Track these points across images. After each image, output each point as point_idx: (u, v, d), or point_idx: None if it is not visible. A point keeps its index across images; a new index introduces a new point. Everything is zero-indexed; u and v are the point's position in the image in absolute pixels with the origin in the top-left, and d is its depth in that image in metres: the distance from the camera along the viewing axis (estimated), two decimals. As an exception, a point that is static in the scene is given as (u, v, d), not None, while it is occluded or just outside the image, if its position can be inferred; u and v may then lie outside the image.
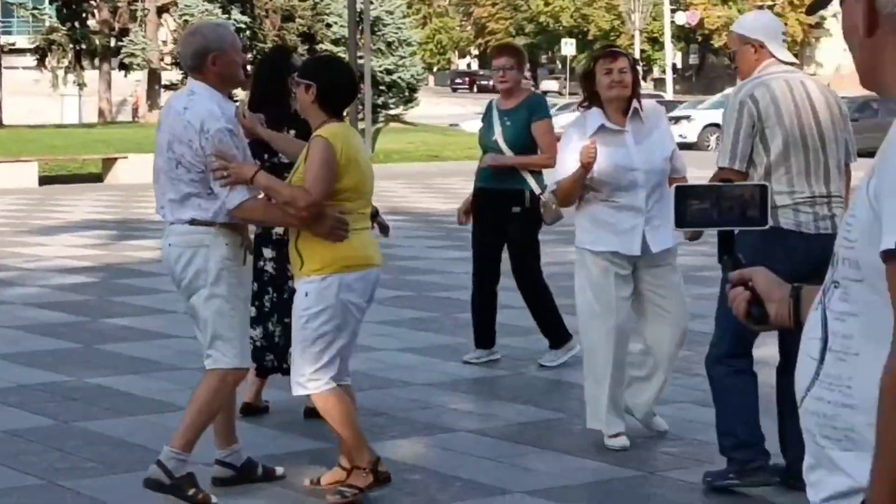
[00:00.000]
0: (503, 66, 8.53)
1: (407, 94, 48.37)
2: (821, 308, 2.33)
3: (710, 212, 2.72)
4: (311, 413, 6.71)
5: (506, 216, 8.56)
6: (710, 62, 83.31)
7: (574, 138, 6.76)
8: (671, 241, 6.84)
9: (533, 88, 8.84)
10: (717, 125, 40.35)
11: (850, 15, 2.33)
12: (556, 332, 8.75)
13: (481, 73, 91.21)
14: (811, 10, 2.60)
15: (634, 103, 6.82)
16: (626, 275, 6.77)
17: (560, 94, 68.13)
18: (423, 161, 32.53)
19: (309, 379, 5.78)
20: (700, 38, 78.81)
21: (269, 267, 7.28)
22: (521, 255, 8.70)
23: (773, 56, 6.09)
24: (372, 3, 39.01)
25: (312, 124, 5.85)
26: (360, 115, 30.63)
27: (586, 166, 6.57)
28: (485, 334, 8.85)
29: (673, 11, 69.63)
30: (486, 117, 8.74)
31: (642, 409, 6.99)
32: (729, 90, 49.65)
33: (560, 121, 20.11)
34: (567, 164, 6.73)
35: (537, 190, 8.42)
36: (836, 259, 2.30)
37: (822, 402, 2.29)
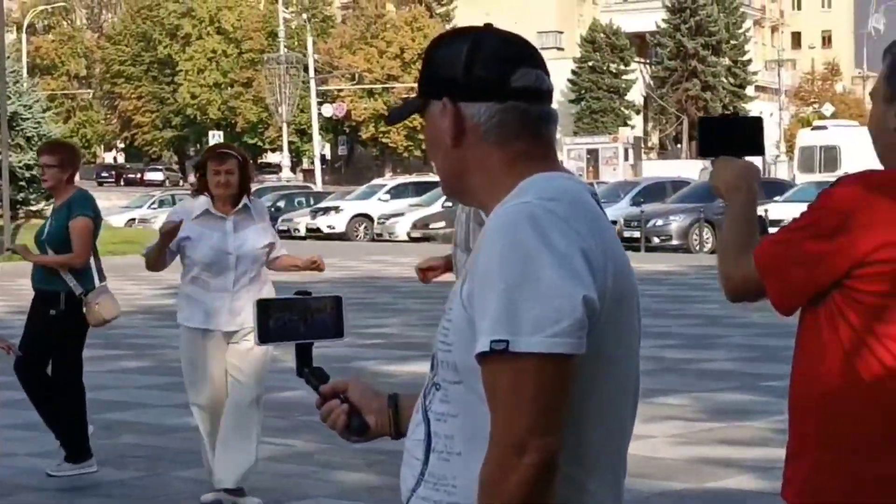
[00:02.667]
0: (44, 164, 8.20)
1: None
2: (423, 410, 2.39)
3: (295, 325, 2.63)
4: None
5: (47, 318, 8.09)
6: (359, 153, 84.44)
7: (175, 217, 7.37)
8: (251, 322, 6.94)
9: (80, 187, 8.49)
10: (365, 215, 40.79)
11: (433, 126, 2.44)
12: (78, 446, 8.15)
13: (128, 166, 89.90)
14: (390, 121, 2.64)
15: (245, 199, 7.39)
16: (221, 348, 7.35)
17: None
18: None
19: None
20: (348, 130, 79.82)
21: None
22: (59, 357, 8.19)
23: None
24: (9, 97, 37.88)
25: None
26: (-2, 212, 29.44)
27: (166, 236, 7.20)
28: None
29: (320, 104, 70.38)
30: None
31: (226, 477, 7.30)
32: (378, 181, 50.28)
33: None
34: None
35: (78, 291, 8.03)
36: (436, 362, 2.37)
37: (429, 501, 2.35)
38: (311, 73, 68.25)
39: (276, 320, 2.62)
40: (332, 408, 2.58)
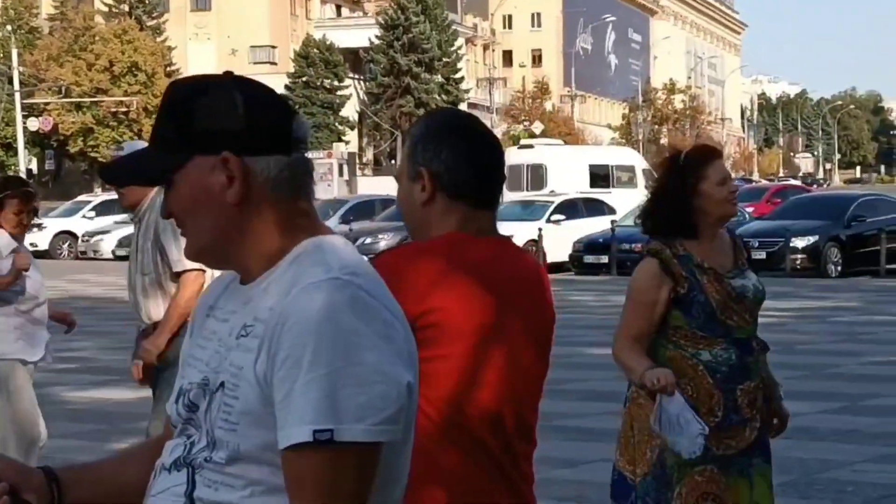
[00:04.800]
0: None
1: None
2: (186, 470, 2.23)
3: None
4: None
5: None
6: (67, 167, 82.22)
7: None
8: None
9: None
10: (69, 233, 39.66)
11: (196, 185, 2.26)
12: None
13: None
14: (118, 181, 2.74)
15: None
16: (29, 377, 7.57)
17: None
18: None
19: None
20: (55, 144, 77.64)
21: None
22: None
23: None
24: None
25: None
26: None
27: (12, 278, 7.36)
28: None
29: (25, 117, 68.21)
30: None
31: None
32: (84, 196, 48.97)
33: None
34: None
35: None
36: (210, 438, 2.21)
37: None
38: (17, 85, 66.11)
39: None
40: None
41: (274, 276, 2.24)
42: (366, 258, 2.33)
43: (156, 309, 6.75)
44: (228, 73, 2.31)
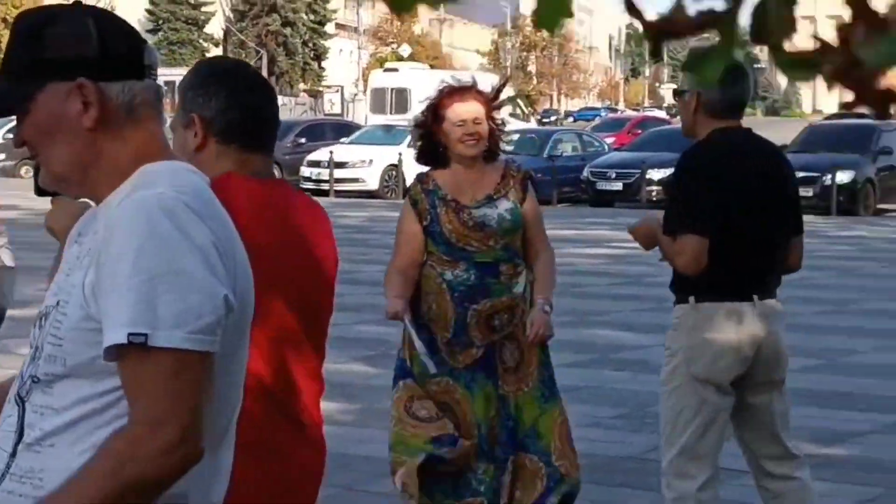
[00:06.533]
0: None
1: None
2: (18, 400, 2.30)
3: None
4: None
5: None
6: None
7: None
8: None
9: None
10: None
11: (50, 112, 2.30)
12: None
13: None
14: None
15: None
16: None
17: None
18: None
19: None
20: None
21: None
22: None
23: None
24: None
25: None
26: None
27: None
28: None
29: None
30: None
31: None
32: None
33: None
34: None
35: None
36: (39, 354, 2.28)
37: (14, 495, 2.25)
38: None
39: None
40: None
41: (113, 196, 2.30)
42: (206, 184, 2.38)
43: None
44: (77, 2, 2.35)
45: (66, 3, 2.35)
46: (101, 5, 2.67)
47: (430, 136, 5.50)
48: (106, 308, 2.17)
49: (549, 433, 5.50)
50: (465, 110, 5.41)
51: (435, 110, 5.46)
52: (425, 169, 5.61)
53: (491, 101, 5.54)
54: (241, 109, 3.26)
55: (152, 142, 2.34)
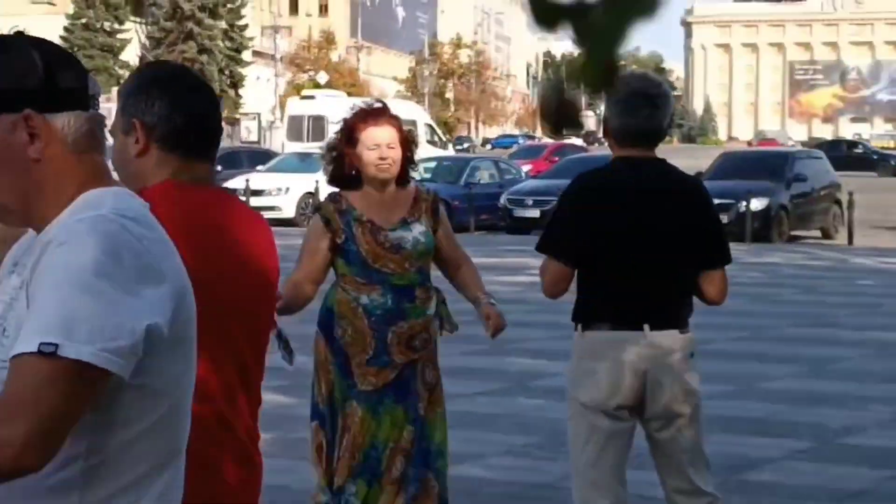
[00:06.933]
0: None
1: None
2: None
3: None
4: None
5: None
6: None
7: None
8: None
9: None
10: None
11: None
12: None
13: None
14: None
15: None
16: None
17: None
18: None
19: None
20: None
21: None
22: None
23: None
24: None
25: None
26: None
27: None
28: None
29: None
30: None
31: None
32: None
33: None
34: None
35: None
36: None
37: None
38: None
39: None
40: None
41: (53, 224, 2.30)
42: (147, 210, 2.38)
43: None
44: (19, 33, 2.36)
45: (9, 34, 2.35)
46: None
47: (343, 158, 5.51)
48: (27, 322, 2.17)
49: (447, 455, 5.60)
50: (380, 134, 5.43)
51: (349, 133, 5.47)
52: (336, 190, 5.62)
53: (403, 128, 5.55)
54: (184, 116, 3.19)
55: (96, 172, 2.35)
